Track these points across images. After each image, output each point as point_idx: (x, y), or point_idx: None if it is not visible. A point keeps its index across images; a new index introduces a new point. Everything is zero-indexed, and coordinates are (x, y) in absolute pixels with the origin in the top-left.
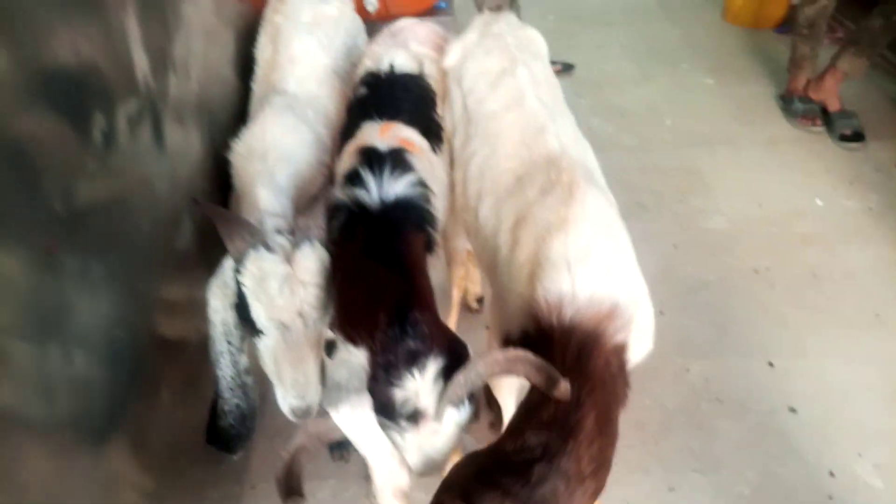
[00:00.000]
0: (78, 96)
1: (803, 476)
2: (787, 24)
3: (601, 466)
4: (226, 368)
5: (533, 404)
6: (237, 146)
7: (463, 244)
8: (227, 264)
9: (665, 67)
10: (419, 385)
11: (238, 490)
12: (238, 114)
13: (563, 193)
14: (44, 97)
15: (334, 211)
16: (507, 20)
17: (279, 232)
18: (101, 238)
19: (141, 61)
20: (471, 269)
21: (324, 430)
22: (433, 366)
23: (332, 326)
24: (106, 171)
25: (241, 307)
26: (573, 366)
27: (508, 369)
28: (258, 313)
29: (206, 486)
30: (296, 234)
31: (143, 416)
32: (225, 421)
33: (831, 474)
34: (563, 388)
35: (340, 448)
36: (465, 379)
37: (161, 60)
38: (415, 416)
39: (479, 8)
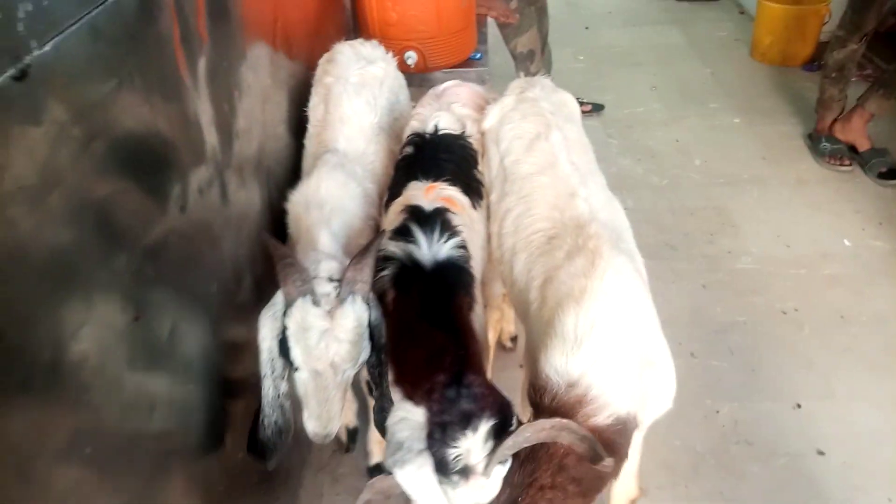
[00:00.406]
0: (159, 170)
1: None
2: (814, 62)
3: None
4: (268, 389)
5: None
6: (295, 197)
7: (499, 289)
8: (279, 299)
9: (694, 107)
10: (471, 443)
11: None
12: (291, 168)
13: (586, 261)
14: (130, 171)
15: (385, 261)
16: (542, 84)
17: (330, 279)
18: (176, 297)
19: (211, 136)
20: (505, 310)
21: (388, 486)
22: (484, 426)
23: (391, 383)
24: (179, 234)
25: (283, 343)
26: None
27: (554, 436)
28: (296, 355)
29: None
30: (342, 287)
31: (211, 455)
32: (264, 434)
33: None
34: (607, 462)
35: None
36: (513, 442)
37: (227, 132)
38: (465, 472)
39: (514, 56)
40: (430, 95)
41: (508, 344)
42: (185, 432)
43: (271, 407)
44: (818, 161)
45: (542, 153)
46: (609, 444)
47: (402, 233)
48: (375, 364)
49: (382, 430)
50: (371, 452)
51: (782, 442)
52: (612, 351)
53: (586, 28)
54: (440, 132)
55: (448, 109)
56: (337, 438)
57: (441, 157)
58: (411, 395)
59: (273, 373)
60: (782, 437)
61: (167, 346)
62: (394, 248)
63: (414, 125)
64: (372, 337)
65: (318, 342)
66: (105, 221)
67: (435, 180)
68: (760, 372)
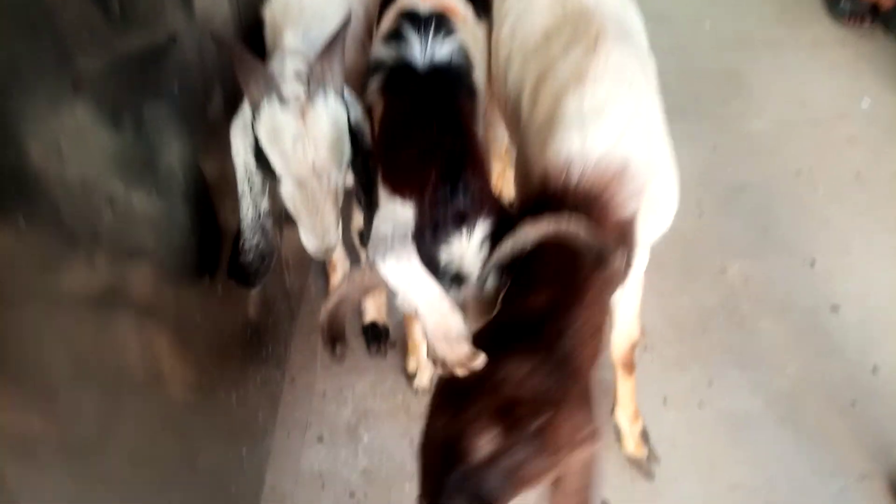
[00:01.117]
0: None
1: (845, 372)
2: None
3: (598, 332)
4: (247, 209)
5: (528, 273)
6: (273, 2)
7: (503, 134)
8: (246, 107)
9: None
10: (465, 247)
11: (278, 377)
12: None
13: (586, 46)
14: None
15: (373, 70)
16: None
17: (297, 76)
18: (135, 95)
19: None
20: (508, 164)
21: (367, 281)
22: (481, 229)
23: (378, 180)
24: (126, 24)
25: (259, 154)
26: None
27: (557, 233)
28: (275, 162)
29: (248, 370)
30: (310, 83)
31: (195, 296)
32: (245, 257)
33: (874, 371)
34: (616, 255)
35: (378, 341)
36: (513, 245)
37: None
38: (458, 279)
39: None
40: None
41: None
42: (158, 256)
43: (252, 229)
44: (836, 22)
45: None
46: (628, 239)
47: (394, 37)
48: (361, 170)
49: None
50: (365, 310)
51: (795, 298)
52: (635, 122)
53: None
54: None
55: None
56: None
57: None
58: (400, 192)
59: (252, 190)
60: (795, 294)
61: (122, 140)
62: (383, 53)
63: None
64: (354, 138)
65: (293, 147)
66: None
67: None
68: (773, 230)
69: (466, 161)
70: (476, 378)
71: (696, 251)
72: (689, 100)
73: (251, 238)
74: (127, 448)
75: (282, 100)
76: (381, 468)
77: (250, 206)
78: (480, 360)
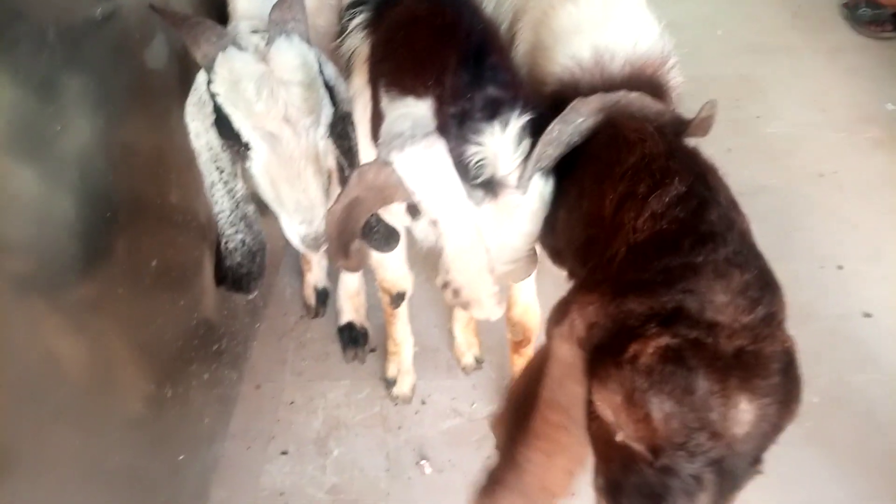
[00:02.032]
0: None
1: (882, 383)
2: None
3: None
4: (221, 200)
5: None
6: None
7: None
8: (201, 78)
9: None
10: (499, 143)
11: (234, 378)
12: None
13: None
14: None
15: (352, 7)
16: None
17: (254, 31)
18: (74, 58)
19: None
20: None
21: (382, 177)
22: (517, 119)
23: (383, 87)
24: None
25: (221, 122)
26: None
27: (622, 107)
28: (240, 123)
29: (191, 365)
30: (270, 30)
31: (127, 269)
32: (232, 259)
33: None
34: (702, 117)
35: (355, 345)
36: (560, 132)
37: None
38: (492, 186)
39: None
40: None
41: None
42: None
43: (231, 223)
44: (856, 28)
45: None
46: None
47: None
48: (342, 134)
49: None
50: (341, 310)
51: (824, 304)
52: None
53: None
54: None
55: None
56: (304, 302)
57: None
58: (412, 88)
59: (221, 175)
60: (824, 299)
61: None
62: None
63: None
64: (332, 96)
65: (258, 91)
66: None
67: None
68: (796, 234)
69: (490, 40)
70: (672, 331)
71: None
72: (702, 103)
73: (233, 234)
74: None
75: (239, 47)
76: (352, 486)
77: (223, 194)
78: (500, 310)
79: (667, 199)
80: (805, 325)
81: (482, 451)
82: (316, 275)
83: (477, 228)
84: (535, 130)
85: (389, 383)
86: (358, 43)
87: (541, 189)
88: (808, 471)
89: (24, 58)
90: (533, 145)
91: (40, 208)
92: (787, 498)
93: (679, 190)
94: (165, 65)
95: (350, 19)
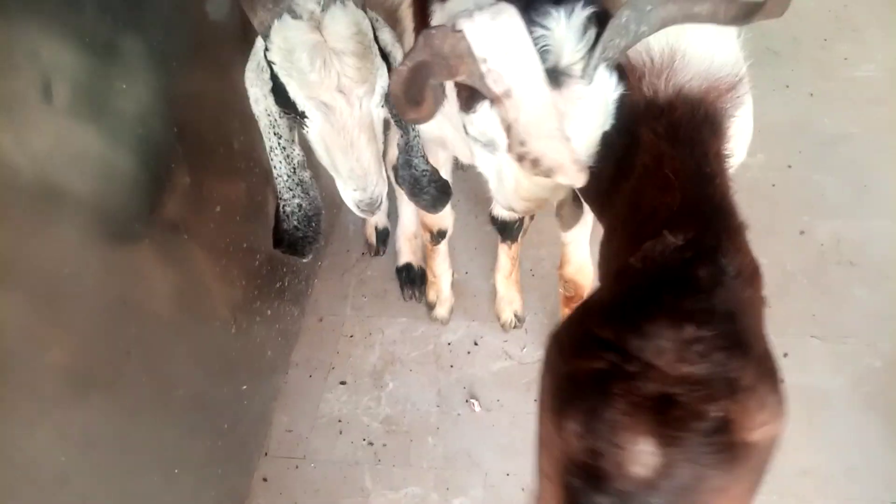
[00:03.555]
0: None
1: None
2: None
3: (754, 262)
4: (279, 166)
5: (644, 196)
6: None
7: None
8: (259, 44)
9: None
10: (565, 30)
11: (295, 313)
12: None
13: None
14: None
15: None
16: None
17: None
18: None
19: None
20: None
21: (452, 43)
22: (584, 9)
23: None
24: None
25: (278, 90)
26: (682, 139)
27: (687, 10)
28: (294, 92)
29: (255, 301)
30: None
31: (191, 221)
32: (289, 223)
33: None
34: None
35: (412, 284)
36: (629, 20)
37: None
38: (556, 75)
39: None
40: None
41: None
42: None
43: (289, 188)
44: None
45: None
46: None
47: None
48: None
49: (410, 188)
50: (400, 251)
51: (895, 264)
52: None
53: None
54: None
55: None
56: (365, 241)
57: None
58: None
59: (280, 140)
60: (895, 259)
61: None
62: None
63: None
64: (387, 63)
65: (311, 61)
66: None
67: None
68: (874, 189)
69: None
70: (610, 358)
71: (781, 206)
72: (786, 41)
73: (290, 198)
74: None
75: (293, 14)
76: (403, 418)
77: (282, 160)
78: (584, 177)
79: (659, 248)
80: (876, 287)
81: (530, 394)
82: (377, 215)
83: (549, 96)
84: (602, 21)
85: (430, 306)
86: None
87: (606, 84)
88: (861, 437)
89: (90, 22)
90: (598, 37)
91: (106, 163)
92: (835, 460)
93: (677, 241)
94: (227, 14)
95: None
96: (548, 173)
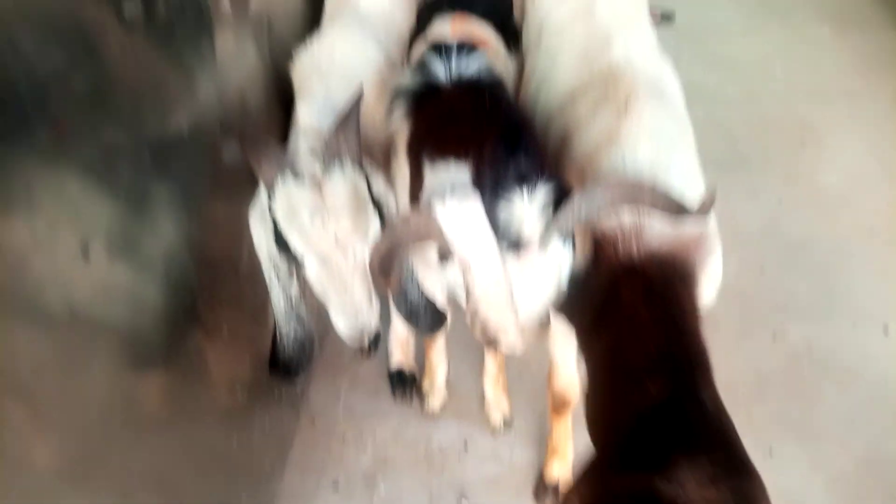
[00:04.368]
0: None
1: None
2: None
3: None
4: (278, 299)
5: (626, 349)
6: (302, 58)
7: None
8: (262, 193)
9: (776, 16)
10: (526, 208)
11: (292, 417)
12: (303, 28)
13: (616, 108)
14: None
15: (395, 97)
16: None
17: (313, 152)
18: (151, 147)
19: None
20: None
21: (423, 223)
22: (542, 191)
23: (426, 156)
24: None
25: (280, 236)
26: (658, 299)
27: (630, 198)
28: (295, 242)
29: (256, 413)
30: (325, 156)
31: (203, 342)
32: (285, 351)
33: None
34: (704, 203)
35: (403, 386)
36: (581, 205)
37: None
38: (517, 244)
39: None
40: None
41: None
42: (172, 306)
43: (286, 318)
44: None
45: None
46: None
47: (419, 66)
48: None
49: (406, 315)
50: (392, 354)
51: (865, 367)
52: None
53: None
54: None
55: None
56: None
57: None
58: (455, 152)
59: (279, 277)
60: (865, 362)
61: (146, 198)
62: (406, 80)
63: None
64: (379, 212)
65: (311, 221)
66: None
67: (463, 10)
68: (842, 292)
69: (524, 125)
70: None
71: (755, 310)
72: (756, 151)
73: (287, 329)
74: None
75: (296, 175)
76: None
77: (280, 295)
78: (523, 345)
79: (642, 410)
80: (847, 388)
81: (520, 499)
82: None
83: (503, 271)
84: (558, 202)
85: (423, 397)
86: (401, 126)
87: (558, 254)
88: None
89: (125, 179)
90: (555, 213)
91: (133, 297)
92: None
93: (663, 389)
94: (238, 156)
95: (392, 109)
96: (492, 339)
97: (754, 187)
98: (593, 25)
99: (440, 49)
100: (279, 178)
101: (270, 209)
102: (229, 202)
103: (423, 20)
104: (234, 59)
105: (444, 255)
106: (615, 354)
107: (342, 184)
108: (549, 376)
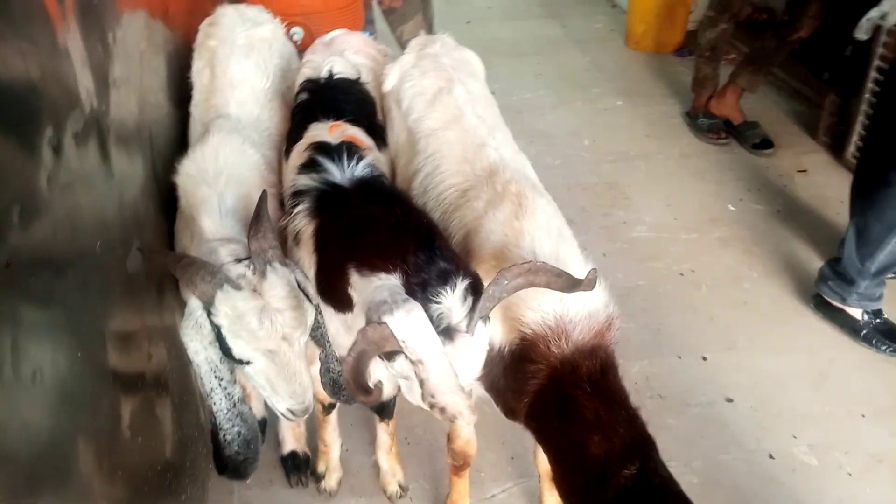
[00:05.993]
0: (27, 111)
1: (745, 461)
2: (684, 48)
3: None
4: (220, 402)
5: (589, 442)
6: (187, 167)
7: None
8: (195, 305)
9: (579, 92)
10: (451, 301)
11: None
12: (176, 139)
13: (513, 206)
14: None
15: (297, 196)
16: (443, 41)
17: (238, 260)
18: (54, 256)
19: (84, 77)
20: None
21: (380, 335)
22: (462, 283)
23: (354, 268)
24: (56, 186)
25: (223, 343)
26: (600, 388)
27: (531, 280)
28: (241, 348)
29: None
30: (254, 262)
31: (105, 452)
32: (230, 450)
33: (771, 457)
34: (589, 278)
35: (298, 471)
36: (494, 291)
37: (103, 79)
38: (449, 332)
39: (401, 44)
40: (319, 44)
41: None
42: (70, 420)
43: (229, 420)
44: (697, 136)
45: (446, 107)
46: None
47: (310, 166)
48: (314, 325)
49: (332, 389)
50: (284, 440)
51: (693, 392)
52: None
53: (468, 22)
54: (335, 76)
55: (341, 55)
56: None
57: (340, 99)
58: (384, 267)
59: (221, 382)
60: (693, 388)
61: (41, 307)
62: (304, 182)
63: (306, 73)
64: (307, 297)
65: (260, 322)
66: None
67: (336, 120)
68: (666, 330)
69: (434, 230)
70: None
71: None
72: (577, 211)
73: (231, 428)
74: None
75: (235, 286)
76: None
77: (222, 398)
78: (474, 417)
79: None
80: (681, 413)
81: None
82: (255, 407)
83: (449, 362)
84: (475, 290)
85: (319, 477)
86: (303, 224)
87: (484, 332)
88: None
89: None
90: (475, 300)
91: (31, 432)
92: None
93: (632, 471)
94: (142, 265)
95: (294, 206)
96: (450, 419)
97: (581, 245)
98: (465, 131)
99: (327, 150)
100: (218, 291)
101: (211, 321)
102: (131, 307)
103: (296, 128)
104: (129, 170)
105: (390, 356)
106: (580, 448)
107: (279, 283)
108: (448, 437)
